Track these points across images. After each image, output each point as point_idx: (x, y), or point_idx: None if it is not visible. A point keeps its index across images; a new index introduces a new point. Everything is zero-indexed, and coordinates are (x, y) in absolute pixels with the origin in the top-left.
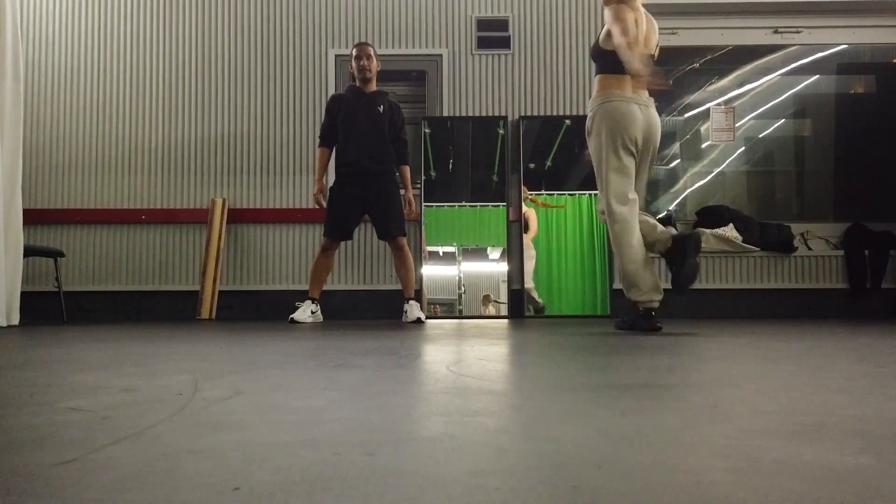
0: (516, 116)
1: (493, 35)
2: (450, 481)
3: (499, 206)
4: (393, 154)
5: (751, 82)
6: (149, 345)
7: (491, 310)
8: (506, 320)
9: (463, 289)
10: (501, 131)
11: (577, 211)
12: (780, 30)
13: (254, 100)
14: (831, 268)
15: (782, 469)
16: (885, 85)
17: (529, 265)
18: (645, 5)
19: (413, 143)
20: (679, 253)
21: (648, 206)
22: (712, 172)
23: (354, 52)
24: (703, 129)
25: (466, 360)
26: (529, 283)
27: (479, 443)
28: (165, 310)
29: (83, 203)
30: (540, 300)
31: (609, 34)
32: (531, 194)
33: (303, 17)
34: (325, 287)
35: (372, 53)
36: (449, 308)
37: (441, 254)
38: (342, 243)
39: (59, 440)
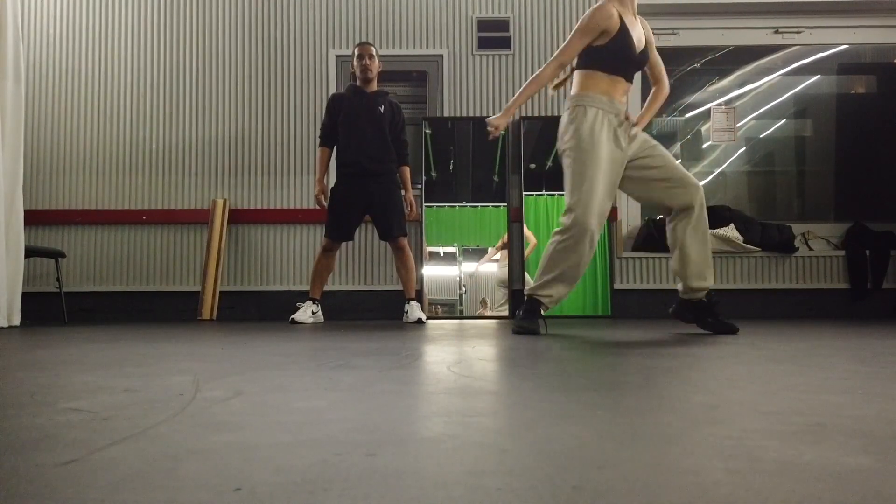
0: (517, 117)
1: (493, 35)
2: (451, 482)
3: (499, 206)
4: (394, 154)
5: (751, 82)
6: (150, 345)
7: (486, 311)
8: (506, 321)
9: (464, 289)
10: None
11: None
12: (780, 30)
13: (254, 100)
14: (832, 268)
15: (783, 469)
16: (885, 85)
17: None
18: (648, 6)
19: (414, 144)
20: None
21: (649, 206)
22: (713, 173)
23: (356, 52)
24: (703, 129)
25: (467, 361)
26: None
27: (480, 443)
28: (166, 310)
29: (84, 204)
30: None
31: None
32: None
33: (304, 18)
34: (326, 287)
35: (374, 53)
36: (450, 309)
37: (442, 254)
38: (343, 244)
39: (59, 441)
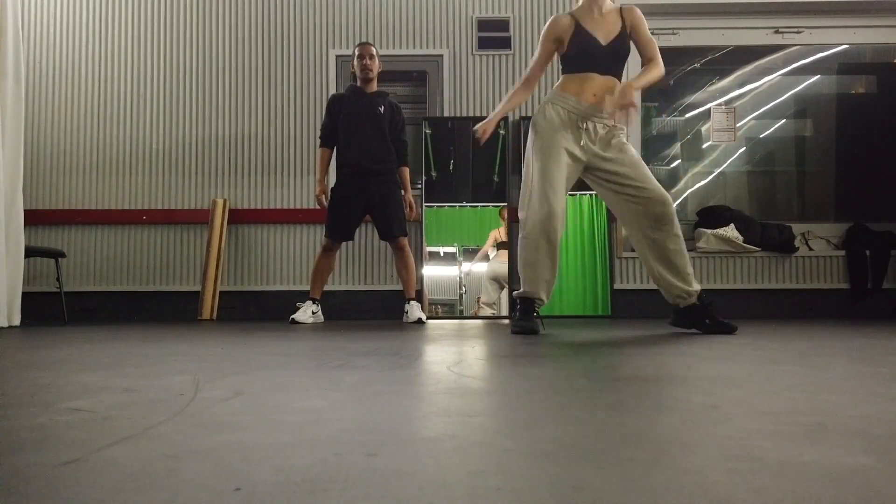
0: (517, 117)
1: (493, 35)
2: (451, 482)
3: (499, 206)
4: (394, 154)
5: (752, 82)
6: (150, 345)
7: (485, 310)
8: (507, 321)
9: (464, 289)
10: (502, 131)
11: (578, 211)
12: (780, 30)
13: (254, 100)
14: (832, 268)
15: (783, 469)
16: (885, 85)
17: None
18: (648, 6)
19: (414, 144)
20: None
21: None
22: (713, 173)
23: (357, 52)
24: (703, 129)
25: (467, 361)
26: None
27: (479, 443)
28: (166, 310)
29: (84, 204)
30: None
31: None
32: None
33: (304, 18)
34: (326, 287)
35: (374, 53)
36: (450, 308)
37: (442, 254)
38: (343, 244)
39: (60, 441)
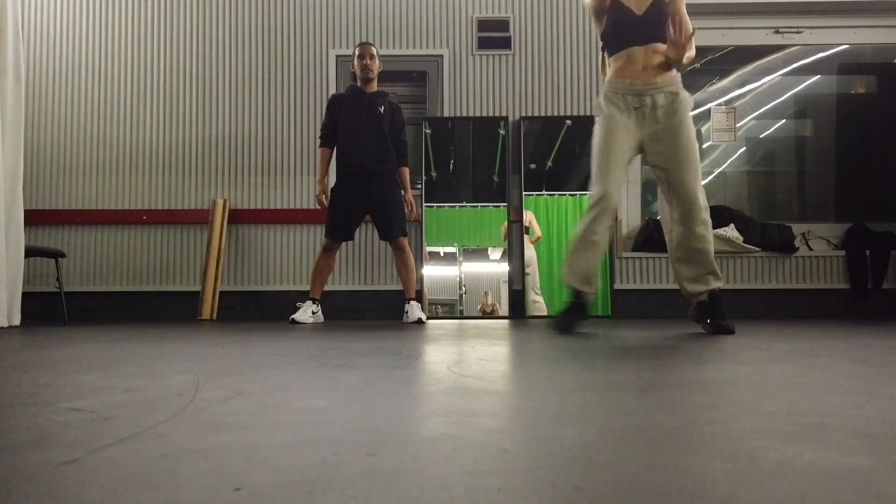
0: (517, 117)
1: (493, 35)
2: (451, 482)
3: (500, 206)
4: (394, 154)
5: (752, 82)
6: (150, 345)
7: (488, 302)
8: (506, 321)
9: (464, 289)
10: (502, 132)
11: (579, 211)
12: (781, 30)
13: (254, 100)
14: (832, 268)
15: (783, 469)
16: (885, 85)
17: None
18: None
19: (414, 144)
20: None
21: (649, 206)
22: (713, 173)
23: (357, 52)
24: (703, 129)
25: (467, 361)
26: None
27: (480, 443)
28: (166, 310)
29: (84, 204)
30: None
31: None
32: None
33: (304, 18)
34: (326, 287)
35: (375, 53)
36: (450, 309)
37: (442, 254)
38: (343, 244)
39: (59, 441)
